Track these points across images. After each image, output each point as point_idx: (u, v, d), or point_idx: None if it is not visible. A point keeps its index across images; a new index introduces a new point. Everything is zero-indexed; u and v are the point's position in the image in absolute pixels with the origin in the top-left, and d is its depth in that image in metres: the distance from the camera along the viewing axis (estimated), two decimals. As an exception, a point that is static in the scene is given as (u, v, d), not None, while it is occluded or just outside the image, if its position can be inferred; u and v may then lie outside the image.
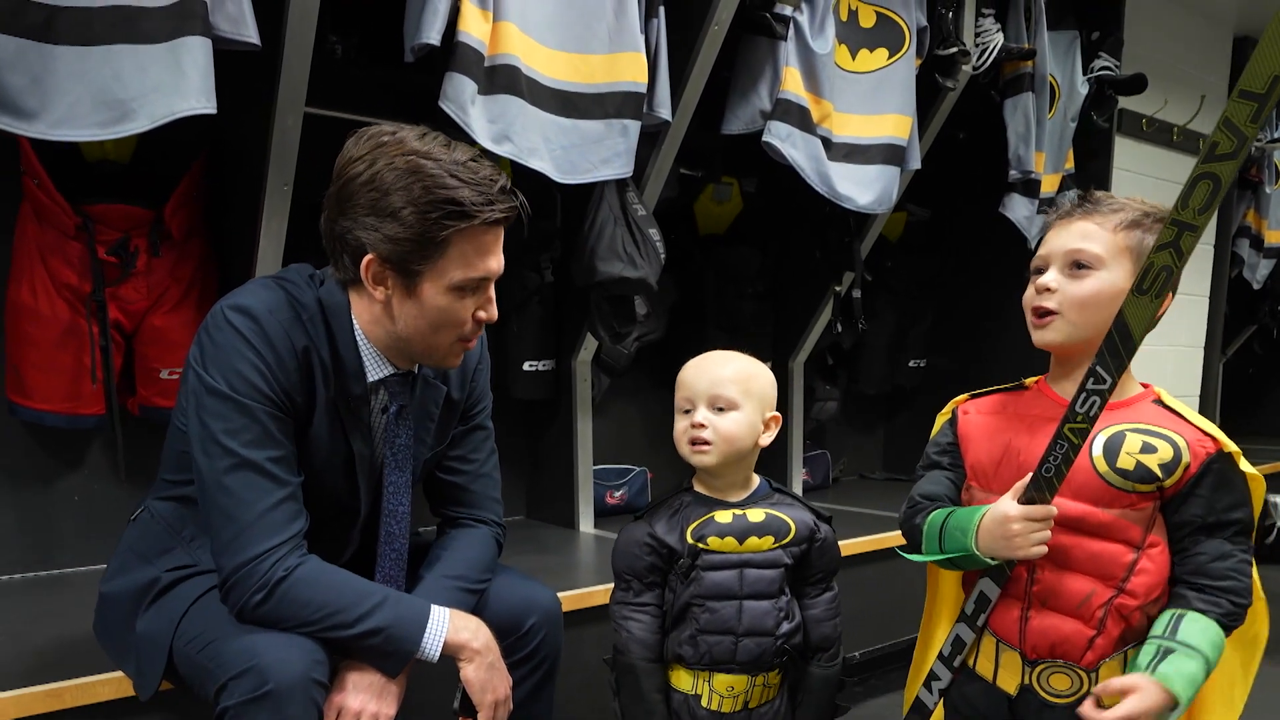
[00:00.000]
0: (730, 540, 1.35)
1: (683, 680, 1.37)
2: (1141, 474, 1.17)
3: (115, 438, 1.98)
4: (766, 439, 1.40)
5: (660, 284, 2.36)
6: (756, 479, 1.43)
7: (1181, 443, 1.17)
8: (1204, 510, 1.17)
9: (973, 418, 1.34)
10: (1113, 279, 1.20)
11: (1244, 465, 1.19)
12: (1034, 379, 1.34)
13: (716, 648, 1.34)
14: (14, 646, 1.56)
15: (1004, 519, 1.17)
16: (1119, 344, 1.11)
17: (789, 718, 1.42)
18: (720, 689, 1.36)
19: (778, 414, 1.42)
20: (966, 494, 1.33)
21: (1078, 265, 1.22)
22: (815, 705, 1.41)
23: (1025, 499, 1.18)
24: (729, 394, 1.36)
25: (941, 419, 1.39)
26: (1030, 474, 1.17)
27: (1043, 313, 1.24)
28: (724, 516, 1.36)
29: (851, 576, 2.43)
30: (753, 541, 1.36)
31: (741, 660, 1.35)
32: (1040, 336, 1.25)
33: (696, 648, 1.34)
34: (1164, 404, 1.23)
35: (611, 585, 1.90)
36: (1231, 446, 1.18)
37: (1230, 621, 1.17)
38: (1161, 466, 1.16)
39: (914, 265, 3.43)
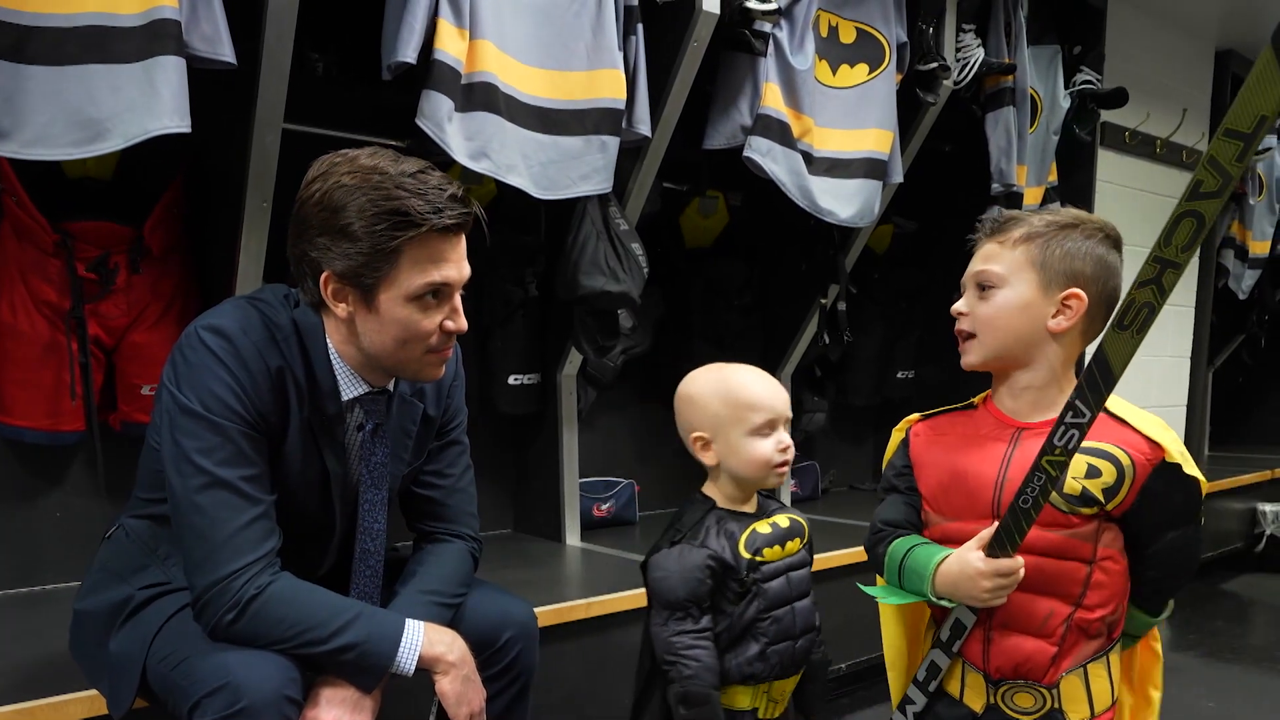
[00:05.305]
0: (778, 548, 1.37)
1: (741, 699, 1.34)
2: (1086, 499, 1.18)
3: (96, 454, 1.98)
4: None
5: (647, 297, 2.36)
6: None
7: (1125, 460, 1.18)
8: (1162, 510, 1.21)
9: (923, 440, 1.35)
10: (1015, 294, 1.23)
11: (1190, 470, 1.20)
12: (982, 395, 1.35)
13: (786, 656, 1.35)
14: (-9, 665, 1.55)
15: (974, 574, 1.18)
16: (1099, 378, 1.09)
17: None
18: (776, 695, 1.37)
19: None
20: (925, 515, 1.34)
21: (983, 286, 1.26)
22: (822, 692, 1.45)
23: (992, 545, 1.18)
24: (790, 413, 1.39)
25: (896, 437, 1.40)
26: (995, 525, 1.18)
27: (964, 336, 1.29)
28: (763, 527, 1.37)
29: (840, 588, 2.43)
30: (790, 545, 1.39)
31: (798, 661, 1.37)
32: (964, 360, 1.30)
33: (767, 661, 1.33)
34: (1108, 410, 1.22)
35: (596, 599, 1.90)
36: (1175, 457, 1.19)
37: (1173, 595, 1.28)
38: (1105, 491, 1.18)
39: (901, 277, 3.44)
